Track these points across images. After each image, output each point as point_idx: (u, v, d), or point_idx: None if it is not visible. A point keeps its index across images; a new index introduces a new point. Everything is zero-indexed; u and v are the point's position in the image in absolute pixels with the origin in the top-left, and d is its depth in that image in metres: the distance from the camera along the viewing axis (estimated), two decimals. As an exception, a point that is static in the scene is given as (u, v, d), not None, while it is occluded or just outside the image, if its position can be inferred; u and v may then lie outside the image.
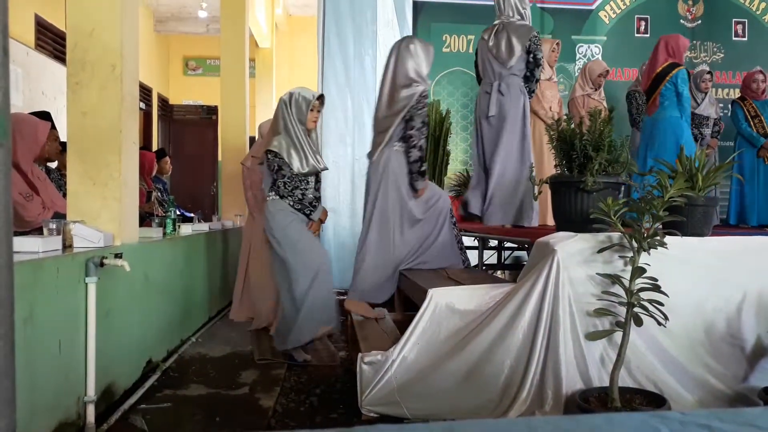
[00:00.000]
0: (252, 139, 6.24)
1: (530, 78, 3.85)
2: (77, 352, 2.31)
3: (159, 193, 5.22)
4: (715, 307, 2.43)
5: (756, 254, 2.52)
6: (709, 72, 5.61)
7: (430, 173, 5.50)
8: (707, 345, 2.41)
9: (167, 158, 5.81)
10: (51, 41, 5.96)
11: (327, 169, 3.48)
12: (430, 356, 2.43)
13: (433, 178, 5.46)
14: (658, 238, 2.18)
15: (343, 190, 5.64)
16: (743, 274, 2.46)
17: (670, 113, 4.22)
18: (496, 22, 3.92)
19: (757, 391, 2.30)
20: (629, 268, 2.21)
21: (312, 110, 3.34)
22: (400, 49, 3.33)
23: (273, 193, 3.30)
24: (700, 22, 6.32)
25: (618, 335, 2.21)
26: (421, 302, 2.56)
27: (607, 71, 5.31)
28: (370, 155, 3.42)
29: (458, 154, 6.02)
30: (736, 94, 5.79)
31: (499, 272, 4.77)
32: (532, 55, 3.80)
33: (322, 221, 3.44)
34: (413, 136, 3.19)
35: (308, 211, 3.29)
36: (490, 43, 3.87)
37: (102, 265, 2.37)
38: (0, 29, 1.01)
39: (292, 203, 3.26)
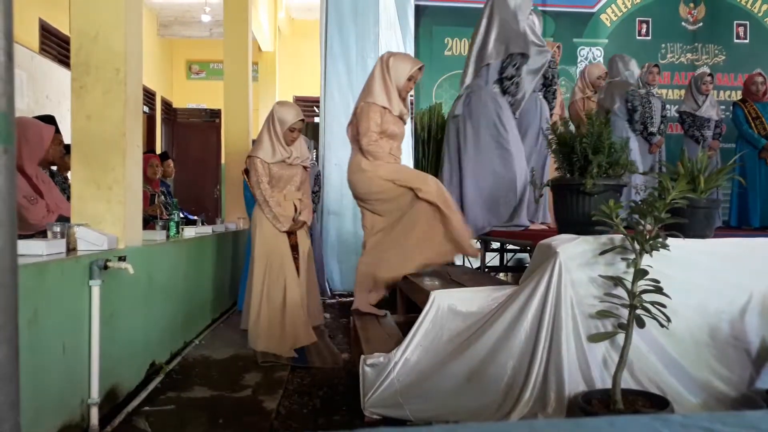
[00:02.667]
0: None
1: (630, 121, 5.00)
2: (81, 354, 2.32)
3: (163, 196, 5.24)
4: (718, 309, 2.42)
5: (759, 256, 2.51)
6: (710, 74, 5.61)
7: (432, 175, 5.51)
8: (711, 347, 2.41)
9: (170, 161, 5.82)
10: (55, 45, 6.00)
11: None
12: (432, 358, 2.44)
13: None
14: (660, 240, 2.18)
15: (345, 193, 5.64)
16: (747, 276, 2.46)
17: None
18: (607, 81, 5.18)
19: (762, 393, 2.29)
20: (631, 270, 2.21)
21: None
22: None
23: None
24: (701, 24, 6.32)
25: (620, 337, 2.20)
26: (423, 304, 2.56)
27: (606, 73, 5.32)
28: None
29: (460, 157, 6.01)
30: (737, 96, 5.79)
31: (501, 274, 4.77)
32: (629, 104, 4.90)
33: None
34: None
35: None
36: (601, 96, 5.12)
37: (106, 267, 2.38)
38: (4, 34, 1.02)
39: None
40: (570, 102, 5.26)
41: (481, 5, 3.90)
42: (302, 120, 3.59)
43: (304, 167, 3.72)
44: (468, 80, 4.00)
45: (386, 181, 3.38)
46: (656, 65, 5.47)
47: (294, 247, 3.60)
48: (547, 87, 4.42)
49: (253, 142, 4.20)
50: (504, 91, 3.84)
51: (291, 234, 3.61)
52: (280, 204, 3.55)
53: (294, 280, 3.50)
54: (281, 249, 3.52)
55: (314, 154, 5.94)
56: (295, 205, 3.63)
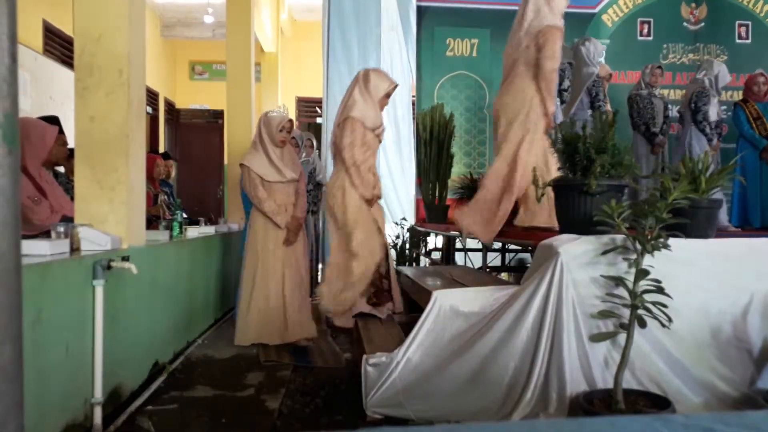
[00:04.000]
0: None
1: (695, 121, 5.21)
2: (85, 354, 2.33)
3: (166, 197, 5.25)
4: (720, 310, 2.42)
5: (761, 256, 2.51)
6: (711, 74, 5.58)
7: (433, 176, 5.52)
8: (713, 347, 2.41)
9: (171, 161, 5.83)
10: (59, 46, 6.02)
11: None
12: (434, 358, 2.44)
13: (438, 180, 5.48)
14: (662, 240, 2.18)
15: (347, 193, 5.61)
16: (748, 276, 2.45)
17: None
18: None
19: (763, 393, 2.29)
20: (633, 270, 2.21)
21: None
22: None
23: None
24: (703, 24, 6.31)
25: (622, 337, 2.20)
26: (425, 304, 2.57)
27: (610, 75, 5.31)
28: None
29: (461, 157, 6.02)
30: (739, 96, 5.77)
31: (503, 274, 4.77)
32: (692, 104, 5.19)
33: None
34: None
35: None
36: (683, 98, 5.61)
37: (109, 267, 2.39)
38: (8, 35, 1.03)
39: None
40: None
41: (482, 6, 3.89)
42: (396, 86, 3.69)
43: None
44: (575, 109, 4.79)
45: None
46: (659, 66, 5.45)
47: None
48: (592, 104, 4.83)
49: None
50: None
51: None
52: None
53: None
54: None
55: (316, 153, 5.95)
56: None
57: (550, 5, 3.28)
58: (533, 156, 3.19)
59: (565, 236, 2.47)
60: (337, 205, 3.52)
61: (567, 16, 3.88)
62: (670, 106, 5.72)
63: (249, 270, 3.78)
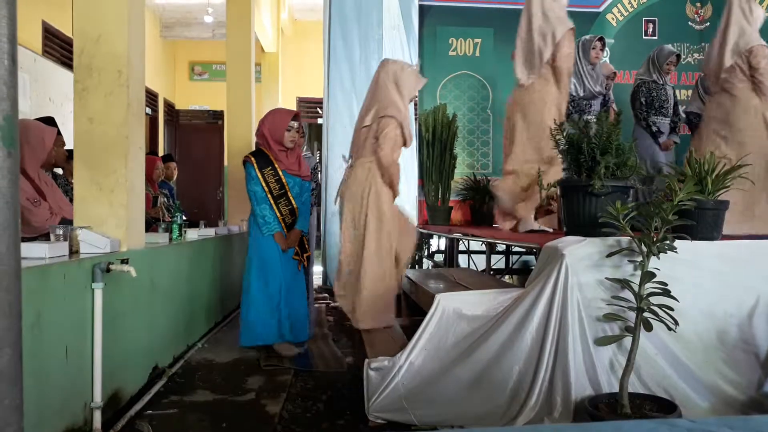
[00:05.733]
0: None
1: None
2: (84, 357, 2.30)
3: (165, 198, 5.22)
4: (726, 312, 2.40)
5: (767, 258, 2.49)
6: (716, 74, 5.54)
7: (436, 177, 5.50)
8: (719, 350, 2.39)
9: (173, 163, 5.81)
10: (58, 47, 6.00)
11: None
12: (437, 362, 2.42)
13: (440, 182, 5.46)
14: (668, 242, 2.16)
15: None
16: (755, 278, 2.43)
17: None
18: None
19: (770, 396, 2.27)
20: (638, 272, 2.19)
21: None
22: None
23: None
24: (708, 24, 6.29)
25: (627, 340, 2.18)
26: (428, 307, 2.54)
27: (615, 74, 5.28)
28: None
29: (464, 158, 5.99)
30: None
31: (507, 277, 4.75)
32: None
33: None
34: None
35: None
36: None
37: (108, 270, 2.37)
38: (8, 38, 1.00)
39: None
40: None
41: (485, 5, 3.87)
42: None
43: None
44: None
45: None
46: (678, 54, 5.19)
47: None
48: (602, 105, 4.84)
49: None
50: None
51: None
52: None
53: None
54: None
55: (318, 155, 5.94)
56: None
57: (750, 21, 3.73)
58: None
59: (570, 238, 2.45)
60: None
61: (572, 16, 3.85)
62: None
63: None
